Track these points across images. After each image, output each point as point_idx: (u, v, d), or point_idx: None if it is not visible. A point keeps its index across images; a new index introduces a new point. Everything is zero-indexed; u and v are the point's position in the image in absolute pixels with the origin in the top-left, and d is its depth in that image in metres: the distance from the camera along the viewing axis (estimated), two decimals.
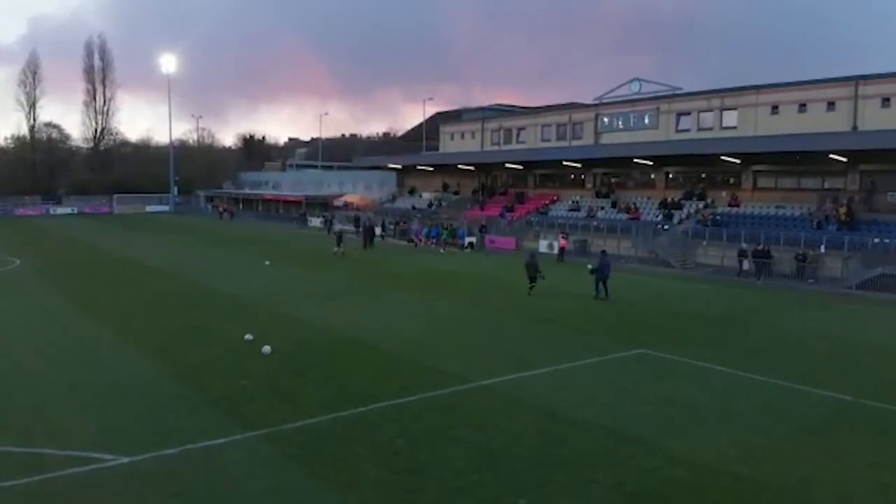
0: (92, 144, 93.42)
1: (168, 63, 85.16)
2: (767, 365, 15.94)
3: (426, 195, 60.66)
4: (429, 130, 76.58)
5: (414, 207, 57.34)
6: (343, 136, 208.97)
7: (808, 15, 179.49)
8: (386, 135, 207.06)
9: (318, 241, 48.18)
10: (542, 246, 40.06)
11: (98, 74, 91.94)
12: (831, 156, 32.67)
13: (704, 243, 34.93)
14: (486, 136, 56.34)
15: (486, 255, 38.91)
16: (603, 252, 26.55)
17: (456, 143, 59.84)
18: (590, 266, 25.50)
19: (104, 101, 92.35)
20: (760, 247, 30.85)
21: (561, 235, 37.73)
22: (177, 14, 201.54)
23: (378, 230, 50.57)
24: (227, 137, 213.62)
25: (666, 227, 37.60)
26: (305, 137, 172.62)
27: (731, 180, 39.20)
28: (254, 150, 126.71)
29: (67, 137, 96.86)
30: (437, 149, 65.57)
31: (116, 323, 19.99)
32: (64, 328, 19.31)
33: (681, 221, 38.19)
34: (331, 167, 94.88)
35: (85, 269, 32.01)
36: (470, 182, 57.54)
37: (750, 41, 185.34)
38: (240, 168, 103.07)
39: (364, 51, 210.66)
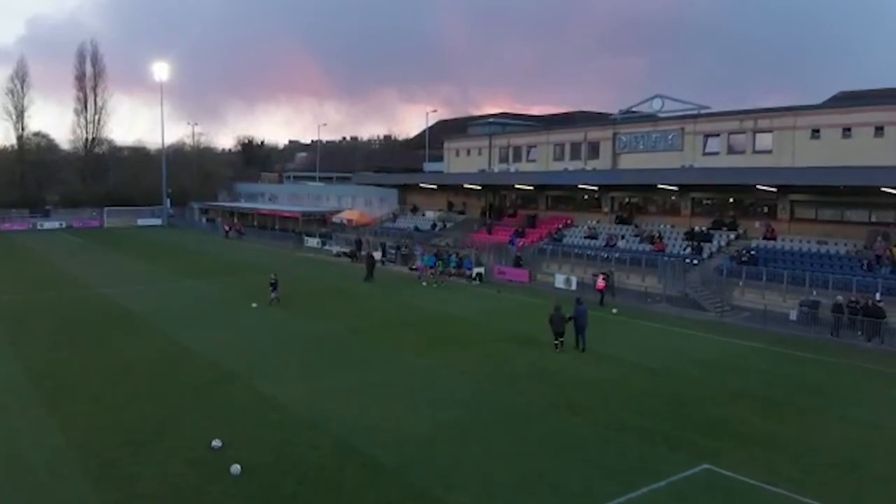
0: (82, 154, 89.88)
1: (160, 70, 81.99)
2: (866, 495, 12.61)
3: (430, 214, 57.26)
4: (431, 138, 73.44)
5: (417, 228, 53.93)
6: (343, 139, 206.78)
7: (805, 16, 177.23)
8: (387, 137, 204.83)
9: (313, 270, 44.81)
10: (559, 281, 36.57)
11: (90, 82, 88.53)
12: (882, 189, 29.30)
13: (741, 283, 31.51)
14: (494, 153, 52.93)
15: (497, 292, 35.38)
16: (578, 300, 24.47)
17: (461, 160, 56.43)
18: (567, 314, 23.39)
19: (95, 110, 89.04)
20: (879, 299, 25.88)
21: (601, 276, 32.79)
22: (175, 14, 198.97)
23: (378, 254, 47.32)
24: (225, 139, 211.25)
25: (696, 261, 34.20)
26: (304, 139, 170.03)
27: (766, 209, 35.78)
28: (253, 155, 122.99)
29: (57, 147, 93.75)
30: (442, 158, 62.15)
31: (67, 411, 16.76)
32: (2, 422, 16.01)
33: (711, 255, 34.78)
34: (330, 178, 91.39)
35: (53, 315, 28.56)
36: (476, 201, 54.15)
37: (746, 43, 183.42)
38: (237, 175, 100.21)
39: (360, 51, 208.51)
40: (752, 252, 33.04)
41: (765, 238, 34.28)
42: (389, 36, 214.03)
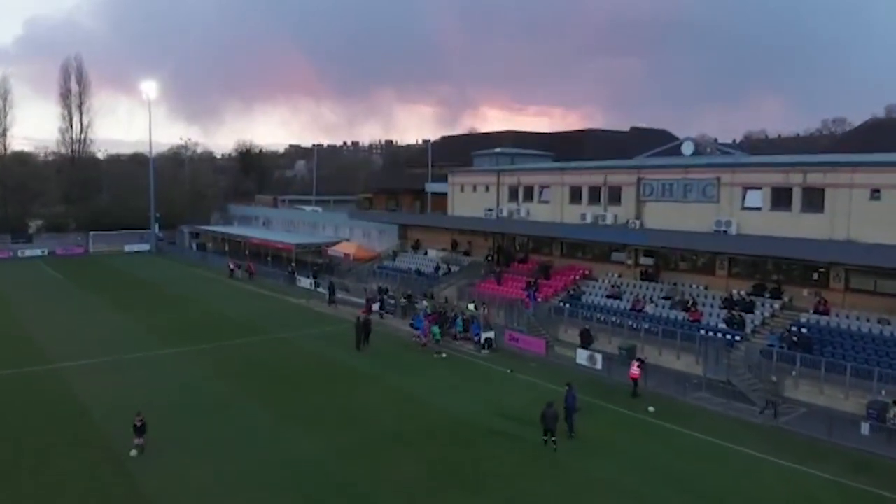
0: (67, 174, 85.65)
1: (149, 89, 78.01)
2: None
3: (432, 253, 53.03)
4: (433, 154, 69.27)
5: (419, 272, 49.64)
6: (344, 144, 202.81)
7: (804, 16, 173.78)
8: (388, 143, 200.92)
9: (300, 328, 40.50)
10: (582, 357, 32.17)
11: (75, 99, 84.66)
12: None
13: (794, 373, 27.22)
14: (503, 190, 48.54)
15: (509, 372, 31.01)
16: (569, 385, 23.64)
17: (467, 196, 52.02)
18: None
19: (81, 129, 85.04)
20: None
21: (636, 363, 28.25)
22: (174, 14, 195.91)
23: (375, 306, 43.08)
24: (224, 139, 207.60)
25: (738, 337, 29.91)
26: (303, 141, 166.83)
27: (816, 276, 31.46)
28: (251, 164, 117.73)
29: (41, 167, 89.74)
30: (446, 178, 57.63)
31: None
32: None
33: (755, 330, 30.49)
34: (327, 202, 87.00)
35: None
36: (483, 241, 49.94)
37: (745, 43, 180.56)
38: (234, 183, 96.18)
39: (358, 52, 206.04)
40: (803, 329, 28.78)
41: (816, 312, 29.97)
42: (387, 36, 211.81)
